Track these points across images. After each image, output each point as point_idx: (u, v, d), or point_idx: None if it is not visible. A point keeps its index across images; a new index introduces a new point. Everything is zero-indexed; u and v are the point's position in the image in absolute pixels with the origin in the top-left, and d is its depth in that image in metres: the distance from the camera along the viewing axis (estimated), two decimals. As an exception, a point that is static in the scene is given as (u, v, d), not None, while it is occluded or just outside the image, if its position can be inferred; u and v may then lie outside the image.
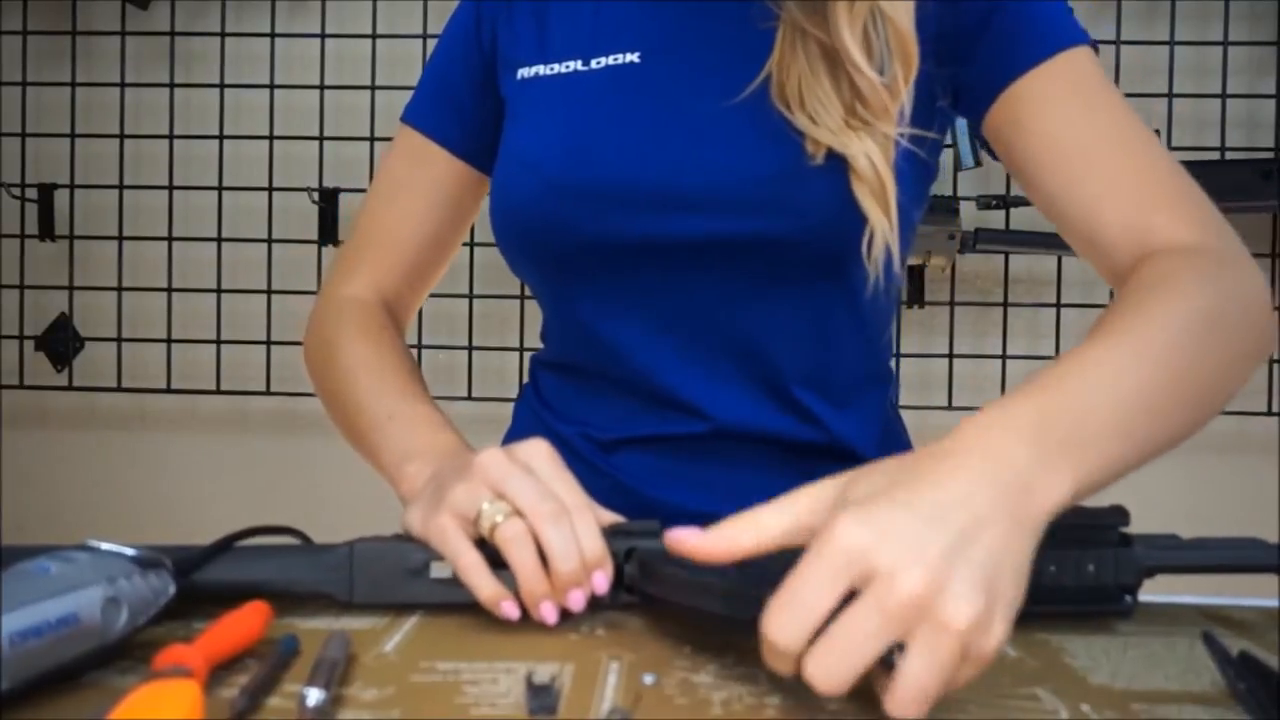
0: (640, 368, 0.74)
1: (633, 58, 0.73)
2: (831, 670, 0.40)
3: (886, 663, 0.40)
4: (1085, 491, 0.47)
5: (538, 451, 0.58)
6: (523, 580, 0.53)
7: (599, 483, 0.75)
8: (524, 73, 0.77)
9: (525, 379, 0.87)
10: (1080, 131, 0.67)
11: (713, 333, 0.73)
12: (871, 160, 0.67)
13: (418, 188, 0.82)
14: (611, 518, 0.59)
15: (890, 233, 0.67)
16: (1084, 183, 0.67)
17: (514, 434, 0.84)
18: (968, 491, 0.43)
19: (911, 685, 0.39)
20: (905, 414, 0.84)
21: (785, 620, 0.41)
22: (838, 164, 0.68)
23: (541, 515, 0.54)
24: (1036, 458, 0.45)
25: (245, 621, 0.49)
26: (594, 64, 0.74)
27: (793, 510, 0.46)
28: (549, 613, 0.54)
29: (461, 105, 0.81)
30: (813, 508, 0.45)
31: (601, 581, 0.55)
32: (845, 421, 0.75)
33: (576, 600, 0.54)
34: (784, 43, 0.70)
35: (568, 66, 0.75)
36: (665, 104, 0.72)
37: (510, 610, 0.54)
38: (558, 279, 0.76)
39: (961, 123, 1.21)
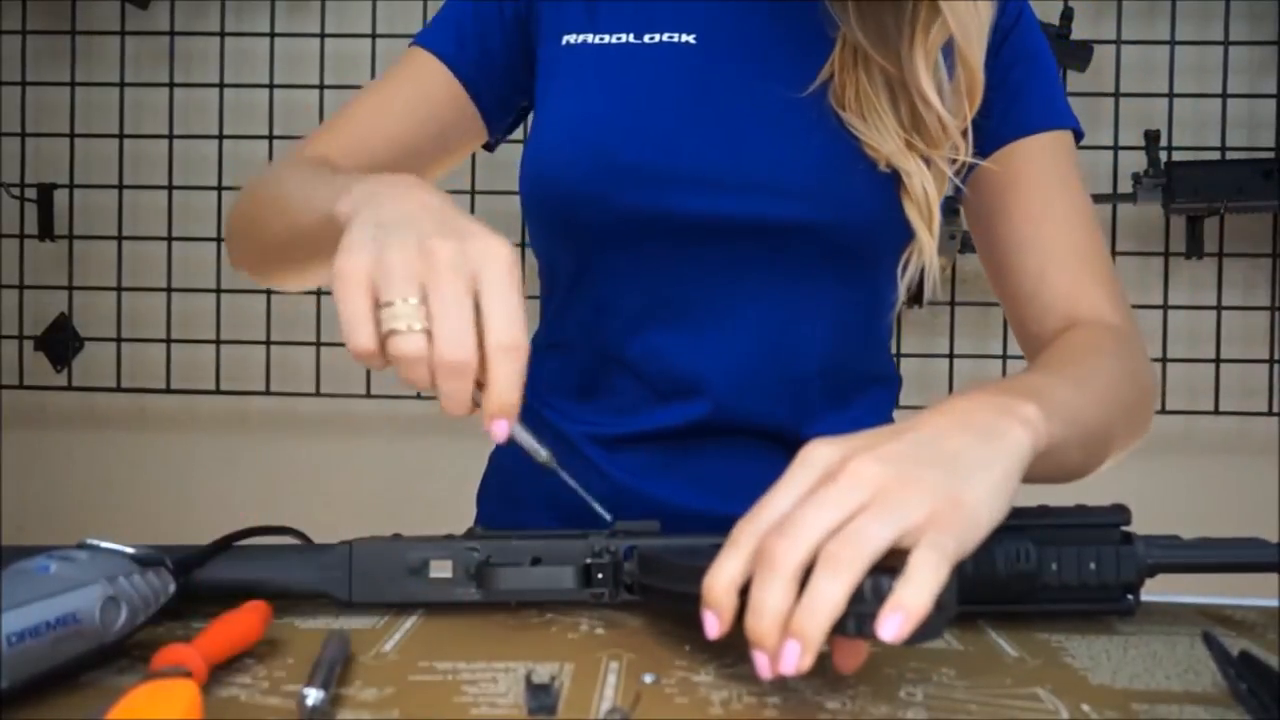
0: (653, 345, 0.74)
1: (689, 39, 0.74)
2: (785, 551, 0.41)
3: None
4: (1044, 432, 0.50)
5: (497, 261, 0.50)
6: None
7: (601, 485, 0.75)
8: (570, 39, 0.76)
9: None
10: (1058, 200, 0.75)
11: (737, 314, 0.73)
12: (925, 188, 0.71)
13: (407, 95, 0.78)
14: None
15: (932, 251, 0.72)
16: (1049, 245, 0.74)
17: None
18: (929, 420, 0.49)
19: (865, 543, 0.41)
20: (906, 414, 0.84)
21: (749, 517, 0.45)
22: (892, 170, 0.71)
23: (448, 361, 0.48)
24: (995, 395, 0.52)
25: (244, 621, 0.49)
26: (647, 39, 0.74)
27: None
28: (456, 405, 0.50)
29: (485, 35, 0.78)
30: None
31: (500, 429, 0.51)
32: (846, 418, 0.76)
33: (500, 430, 0.51)
34: (842, 55, 0.72)
35: (619, 38, 0.74)
36: (721, 88, 0.72)
37: (356, 342, 0.49)
38: (585, 251, 0.75)
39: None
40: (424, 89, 0.79)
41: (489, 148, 0.84)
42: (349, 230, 0.51)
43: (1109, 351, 0.67)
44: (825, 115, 0.72)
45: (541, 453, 0.56)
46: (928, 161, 0.71)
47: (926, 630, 0.40)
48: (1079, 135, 0.78)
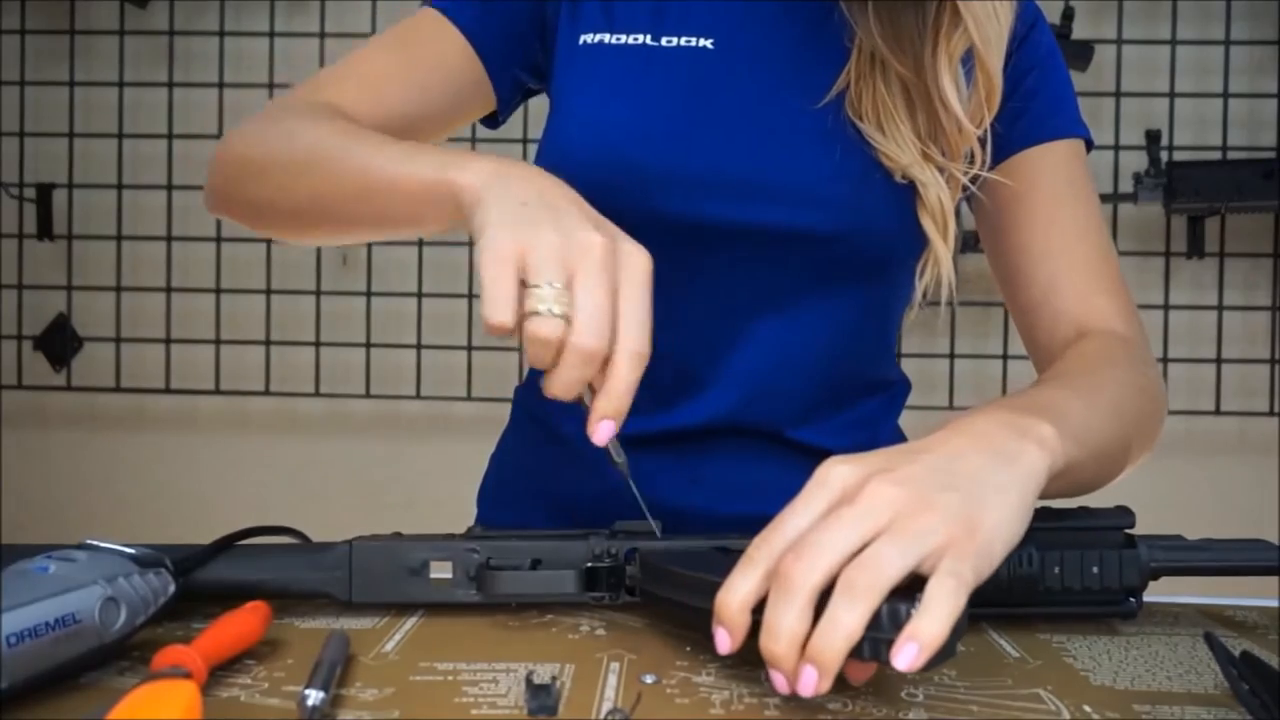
0: (662, 348, 0.73)
1: (706, 43, 0.73)
2: (801, 573, 0.41)
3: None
4: (1060, 452, 0.50)
5: (640, 267, 0.52)
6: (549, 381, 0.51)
7: (600, 486, 0.75)
8: (587, 38, 0.75)
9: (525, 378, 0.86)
10: (1069, 209, 0.75)
11: (747, 320, 0.73)
12: (941, 199, 0.71)
13: (426, 64, 0.75)
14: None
15: (946, 261, 0.72)
16: (1059, 251, 0.74)
17: (510, 435, 0.84)
18: (945, 440, 0.48)
19: (883, 570, 0.40)
20: (906, 414, 0.84)
21: (765, 536, 0.44)
22: (908, 181, 0.71)
23: (582, 349, 0.50)
24: (1012, 414, 0.51)
25: (244, 621, 0.49)
26: (664, 41, 0.73)
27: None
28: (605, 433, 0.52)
29: (511, 16, 0.76)
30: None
31: (606, 430, 0.52)
32: (849, 420, 0.76)
33: (605, 431, 0.52)
34: (859, 63, 0.72)
35: (635, 38, 0.74)
36: (739, 95, 0.72)
37: (497, 318, 0.50)
38: None
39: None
40: (443, 60, 0.75)
41: (493, 125, 0.83)
42: (487, 206, 0.53)
43: (1120, 363, 0.67)
44: (842, 125, 0.71)
45: (621, 458, 0.56)
46: (942, 171, 0.71)
47: (939, 655, 0.40)
48: (1089, 145, 0.77)
